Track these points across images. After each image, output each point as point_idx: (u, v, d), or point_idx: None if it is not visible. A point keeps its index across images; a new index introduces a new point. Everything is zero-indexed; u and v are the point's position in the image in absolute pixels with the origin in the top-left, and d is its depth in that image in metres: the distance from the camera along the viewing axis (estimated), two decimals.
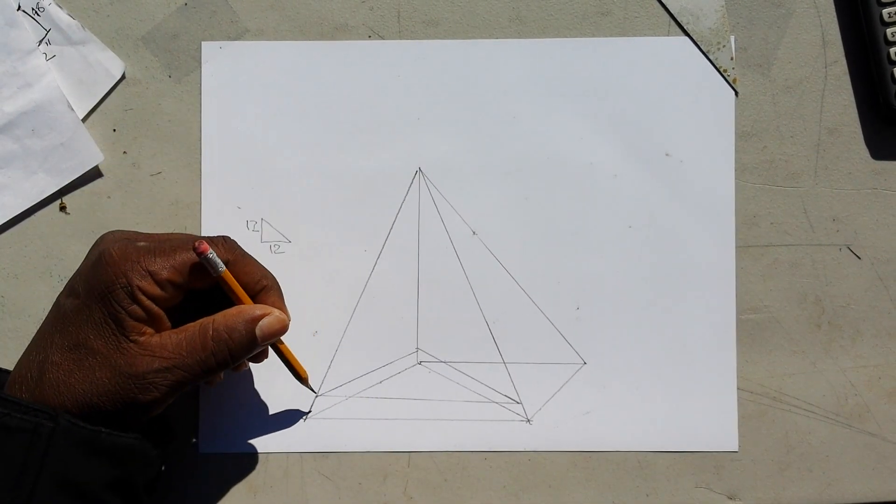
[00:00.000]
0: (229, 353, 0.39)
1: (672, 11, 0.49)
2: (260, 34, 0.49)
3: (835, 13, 0.49)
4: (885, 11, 0.47)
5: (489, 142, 0.49)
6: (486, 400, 0.48)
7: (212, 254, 0.39)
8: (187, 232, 0.49)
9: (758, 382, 0.48)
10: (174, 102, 0.49)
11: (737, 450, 0.48)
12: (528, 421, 0.48)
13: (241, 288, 0.41)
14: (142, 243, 0.38)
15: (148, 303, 0.37)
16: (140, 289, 0.37)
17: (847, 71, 0.49)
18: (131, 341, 0.37)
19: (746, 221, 0.48)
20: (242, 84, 0.49)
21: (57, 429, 0.35)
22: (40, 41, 0.48)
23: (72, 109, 0.48)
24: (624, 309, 0.48)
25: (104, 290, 0.36)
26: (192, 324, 0.39)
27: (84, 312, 0.37)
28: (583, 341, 0.48)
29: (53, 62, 0.48)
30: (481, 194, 0.48)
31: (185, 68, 0.49)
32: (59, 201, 0.49)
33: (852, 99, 0.49)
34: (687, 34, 0.49)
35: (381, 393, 0.48)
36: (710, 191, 0.48)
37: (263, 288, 0.42)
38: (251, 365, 0.48)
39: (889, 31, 0.47)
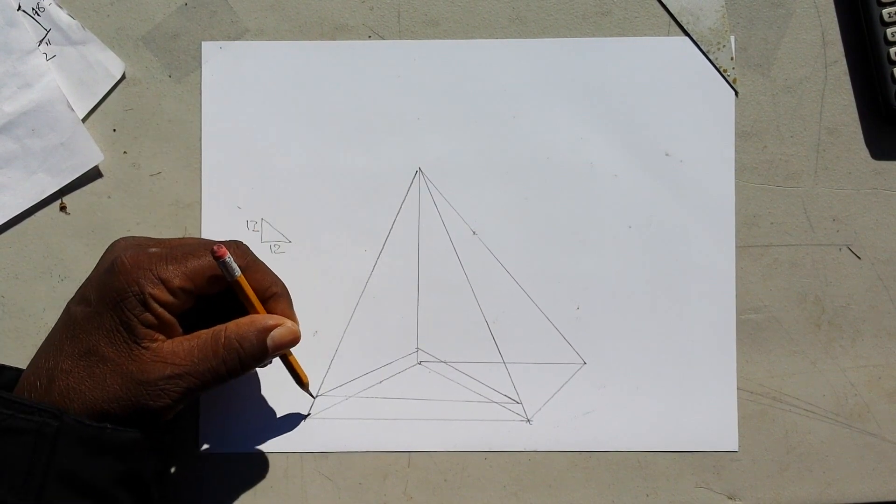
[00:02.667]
0: (240, 363, 0.39)
1: (672, 11, 0.49)
2: (260, 34, 0.49)
3: (835, 13, 0.49)
4: (885, 11, 0.47)
5: (489, 142, 0.49)
6: (486, 400, 0.48)
7: (229, 258, 0.39)
8: (188, 233, 0.49)
9: (758, 382, 0.48)
10: (174, 102, 0.49)
11: (737, 450, 0.48)
12: (528, 421, 0.48)
13: (254, 294, 0.41)
14: (154, 249, 0.38)
15: (160, 310, 0.37)
16: (152, 296, 0.37)
17: (847, 71, 0.49)
18: (143, 348, 0.37)
19: (746, 221, 0.48)
20: (242, 84, 0.49)
21: (62, 427, 0.35)
22: (40, 41, 0.48)
23: (72, 109, 0.48)
24: (624, 309, 0.48)
25: (116, 297, 0.36)
26: (204, 331, 0.39)
27: (95, 320, 0.37)
28: (583, 341, 0.48)
29: (53, 62, 0.48)
30: (481, 194, 0.48)
31: (186, 68, 0.49)
32: (59, 201, 0.49)
33: (852, 99, 0.49)
34: (687, 34, 0.49)
35: (381, 393, 0.48)
36: (710, 191, 0.48)
37: (273, 295, 0.42)
38: None
39: (889, 31, 0.47)
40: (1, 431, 0.34)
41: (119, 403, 0.37)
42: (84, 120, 0.48)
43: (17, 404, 0.35)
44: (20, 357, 0.48)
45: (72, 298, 0.39)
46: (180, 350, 0.38)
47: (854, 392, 0.48)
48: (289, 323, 0.40)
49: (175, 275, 0.37)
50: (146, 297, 0.36)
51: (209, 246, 0.39)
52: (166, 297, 0.37)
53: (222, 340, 0.38)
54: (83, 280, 0.48)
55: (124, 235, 0.43)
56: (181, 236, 0.49)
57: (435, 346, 0.48)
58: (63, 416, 0.35)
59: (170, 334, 0.38)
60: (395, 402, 0.48)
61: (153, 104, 0.49)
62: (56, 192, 0.48)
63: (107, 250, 0.40)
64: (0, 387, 0.38)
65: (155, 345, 0.37)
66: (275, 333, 0.40)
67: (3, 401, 0.35)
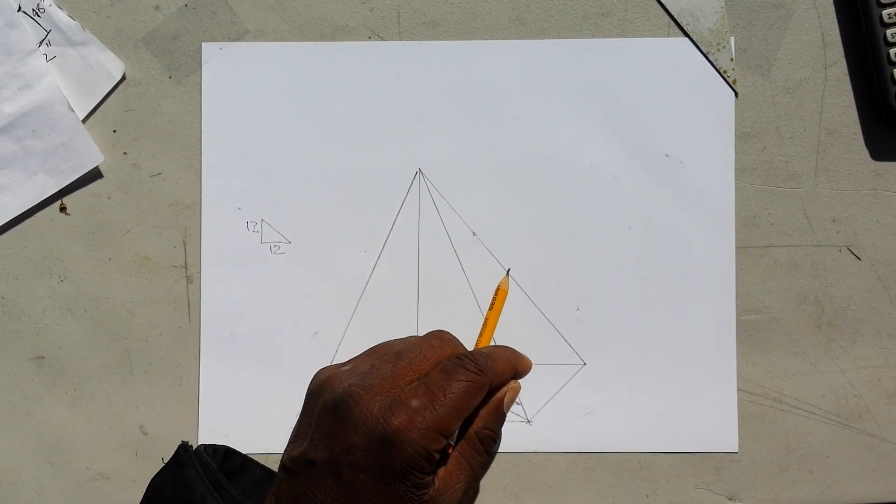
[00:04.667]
0: (495, 443, 0.39)
1: (672, 12, 0.49)
2: (260, 35, 0.49)
3: (835, 14, 0.49)
4: (885, 13, 0.47)
5: (489, 142, 0.49)
6: None
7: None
8: (188, 234, 0.49)
9: (758, 383, 0.48)
10: (174, 103, 0.49)
11: (737, 450, 0.48)
12: (529, 422, 0.48)
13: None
14: (415, 403, 0.36)
15: (439, 457, 0.37)
16: (436, 451, 0.36)
17: (847, 72, 0.49)
18: (434, 493, 0.37)
19: (746, 222, 0.48)
20: (243, 85, 0.49)
21: None
22: (41, 42, 0.48)
23: (72, 110, 0.48)
24: (624, 309, 0.48)
25: (405, 467, 0.35)
26: (459, 443, 0.39)
27: (386, 490, 0.36)
28: (583, 342, 0.48)
29: (54, 63, 0.48)
30: (481, 195, 0.49)
31: (186, 69, 0.49)
32: (59, 202, 0.49)
33: (852, 100, 0.49)
34: (687, 35, 0.49)
35: None
36: (709, 191, 0.48)
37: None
38: (253, 366, 0.48)
39: (889, 32, 0.47)
40: None
41: None
42: (84, 121, 0.48)
43: None
44: (20, 357, 0.48)
45: (324, 460, 0.37)
46: (455, 470, 0.38)
47: (854, 393, 0.48)
48: (512, 384, 0.40)
49: (451, 422, 0.36)
50: (431, 456, 0.36)
51: (454, 366, 0.37)
52: (444, 443, 0.37)
53: (476, 439, 0.39)
54: (86, 282, 0.48)
55: (324, 371, 0.40)
56: (185, 237, 0.48)
57: None
58: None
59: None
60: None
61: (153, 105, 0.49)
62: (56, 192, 0.48)
63: (325, 393, 0.38)
64: (250, 485, 0.38)
65: (438, 483, 0.37)
66: (506, 400, 0.40)
67: None
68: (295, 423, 0.39)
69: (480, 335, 0.43)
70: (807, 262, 0.48)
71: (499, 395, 0.39)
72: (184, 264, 0.49)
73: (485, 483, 0.48)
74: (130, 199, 0.49)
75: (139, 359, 0.48)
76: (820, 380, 0.48)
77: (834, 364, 0.48)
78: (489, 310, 0.43)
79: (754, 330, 0.48)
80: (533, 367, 0.48)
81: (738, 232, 0.48)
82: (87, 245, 0.49)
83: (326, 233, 0.48)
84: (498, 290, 0.44)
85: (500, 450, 0.48)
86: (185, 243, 0.49)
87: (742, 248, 0.48)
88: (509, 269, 0.48)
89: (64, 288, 0.48)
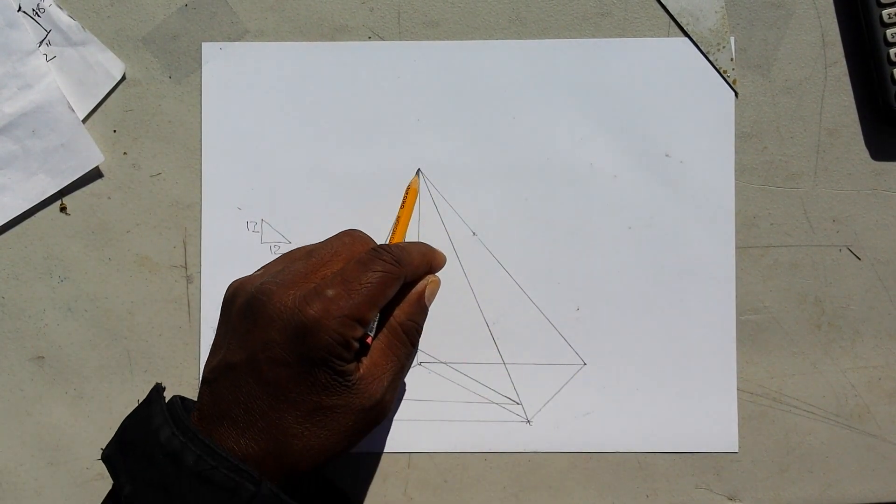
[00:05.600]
0: (418, 333, 0.41)
1: (672, 12, 0.49)
2: (260, 35, 0.49)
3: (835, 14, 0.49)
4: (885, 13, 0.47)
5: (489, 142, 0.49)
6: (486, 401, 0.48)
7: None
8: (188, 235, 0.49)
9: (758, 383, 0.48)
10: (174, 103, 0.49)
11: (737, 450, 0.48)
12: (528, 422, 0.48)
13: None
14: (330, 292, 0.36)
15: (358, 346, 0.37)
16: (354, 339, 0.36)
17: (847, 72, 0.49)
18: (357, 380, 0.37)
19: (746, 222, 0.48)
20: (243, 85, 0.49)
21: (258, 494, 0.34)
22: (41, 42, 0.48)
23: (72, 110, 0.48)
24: (624, 309, 0.48)
25: (324, 354, 0.36)
26: (381, 334, 0.39)
27: (307, 379, 0.36)
28: (583, 342, 0.48)
29: (54, 63, 0.48)
30: (481, 195, 0.49)
31: (186, 69, 0.49)
32: (59, 202, 0.49)
33: (852, 100, 0.49)
34: (687, 35, 0.49)
35: None
36: (710, 191, 0.48)
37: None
38: None
39: (889, 32, 0.47)
40: (201, 479, 0.34)
41: (355, 437, 0.37)
42: (84, 121, 0.48)
43: (222, 458, 0.34)
44: (20, 357, 0.48)
45: (249, 362, 0.36)
46: (379, 360, 0.38)
47: (854, 393, 0.48)
48: (431, 277, 0.42)
49: (367, 310, 0.37)
50: (350, 343, 0.36)
51: (369, 258, 0.38)
52: (362, 331, 0.37)
53: (399, 330, 0.39)
54: (86, 282, 0.48)
55: (236, 280, 0.40)
56: (185, 237, 0.49)
57: (435, 346, 0.48)
58: (262, 485, 0.34)
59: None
60: (394, 403, 0.48)
61: (153, 105, 0.49)
62: (56, 192, 0.48)
63: (238, 297, 0.38)
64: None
65: (362, 370, 0.37)
66: (427, 293, 0.41)
67: (214, 453, 0.35)
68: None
69: (393, 233, 0.44)
70: (807, 262, 0.48)
71: (419, 287, 0.41)
72: (184, 264, 0.49)
73: (485, 483, 0.48)
74: (130, 199, 0.49)
75: (139, 359, 0.48)
76: (820, 380, 0.48)
77: (834, 364, 0.48)
78: (401, 208, 0.45)
79: (754, 330, 0.48)
80: (533, 366, 0.48)
81: (738, 232, 0.48)
82: (87, 245, 0.49)
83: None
84: (409, 189, 0.46)
85: (500, 450, 0.48)
86: (185, 243, 0.49)
87: (742, 248, 0.48)
88: (419, 169, 0.48)
89: (64, 288, 0.48)
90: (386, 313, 0.39)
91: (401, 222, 0.44)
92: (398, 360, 0.39)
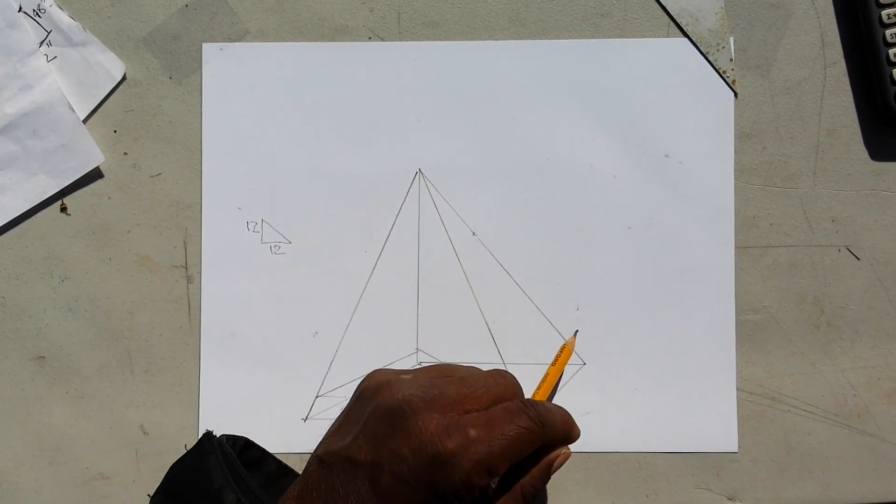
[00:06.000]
0: (534, 496, 0.39)
1: (671, 13, 0.49)
2: (260, 35, 0.49)
3: (834, 14, 0.49)
4: (884, 13, 0.47)
5: (489, 143, 0.49)
6: None
7: None
8: (188, 235, 0.49)
9: (757, 383, 0.48)
10: (175, 104, 0.49)
11: (736, 450, 0.48)
12: None
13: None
14: (473, 432, 0.35)
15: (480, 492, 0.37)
16: (480, 486, 0.36)
17: (846, 72, 0.49)
18: None
19: (746, 222, 0.48)
20: (243, 85, 0.49)
21: None
22: (41, 42, 0.48)
23: (73, 111, 0.48)
24: (624, 309, 0.48)
25: (448, 490, 0.35)
26: (504, 497, 0.38)
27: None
28: (583, 342, 0.48)
29: (54, 63, 0.48)
30: (481, 195, 0.49)
31: (186, 69, 0.49)
32: (59, 202, 0.49)
33: (851, 100, 0.49)
34: (686, 35, 0.49)
35: None
36: (709, 192, 0.48)
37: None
38: (253, 366, 0.48)
39: (888, 32, 0.47)
40: None
41: None
42: (85, 121, 0.48)
43: None
44: (20, 357, 0.48)
45: (361, 461, 0.36)
46: None
47: (853, 393, 0.48)
48: (565, 449, 0.40)
49: (502, 461, 0.36)
50: (475, 489, 0.35)
51: (517, 409, 0.37)
52: (489, 481, 0.36)
53: (519, 492, 0.38)
54: (86, 282, 0.48)
55: (381, 372, 0.39)
56: (185, 237, 0.49)
57: (435, 346, 0.48)
58: None
59: None
60: None
61: (154, 105, 0.49)
62: (57, 193, 0.49)
63: (380, 395, 0.37)
64: (265, 479, 0.38)
65: None
66: (556, 463, 0.40)
67: None
68: (337, 416, 0.39)
69: (539, 387, 0.44)
70: (806, 262, 0.48)
71: (552, 456, 0.39)
72: (184, 264, 0.49)
73: None
74: (131, 199, 0.49)
75: (139, 359, 0.49)
76: (819, 380, 0.48)
77: (833, 364, 0.48)
78: (551, 365, 0.45)
79: (754, 330, 0.48)
80: (532, 366, 0.48)
81: (737, 232, 0.48)
82: (88, 245, 0.49)
83: (326, 233, 0.49)
84: (564, 347, 0.46)
85: None
86: (185, 243, 0.49)
87: (742, 248, 0.48)
88: (577, 331, 0.48)
89: (64, 288, 0.48)
90: (514, 468, 0.38)
91: (549, 379, 0.44)
92: None
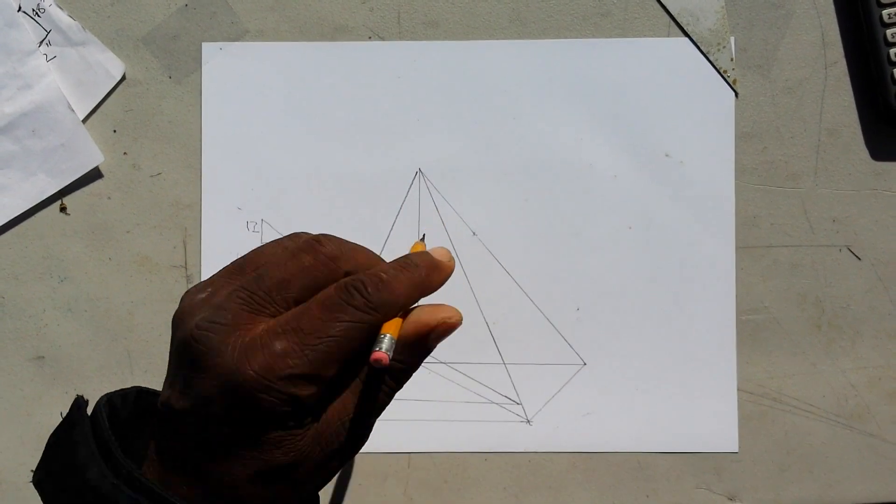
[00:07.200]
0: (407, 375, 0.34)
1: (672, 12, 0.49)
2: (260, 35, 0.49)
3: (835, 14, 0.49)
4: (885, 13, 0.47)
5: (489, 142, 0.49)
6: (486, 401, 0.48)
7: (389, 351, 0.30)
8: (188, 235, 0.49)
9: (758, 383, 0.48)
10: (174, 103, 0.49)
11: (737, 450, 0.48)
12: (528, 422, 0.48)
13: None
14: (278, 345, 0.29)
15: (317, 399, 0.31)
16: (307, 397, 0.30)
17: (847, 72, 0.49)
18: (318, 431, 0.32)
19: (746, 222, 0.48)
20: (242, 85, 0.49)
21: None
22: (41, 42, 0.48)
23: (72, 110, 0.48)
24: (624, 309, 0.48)
25: (266, 418, 0.30)
26: (356, 383, 0.32)
27: (254, 440, 0.30)
28: (583, 342, 0.48)
29: (54, 63, 0.48)
30: (481, 195, 0.49)
31: (186, 69, 0.49)
32: (59, 202, 0.49)
33: (852, 100, 0.49)
34: (687, 35, 0.49)
35: None
36: (710, 191, 0.48)
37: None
38: None
39: (889, 32, 0.47)
40: None
41: (317, 486, 0.33)
42: (84, 121, 0.48)
43: (147, 489, 0.29)
44: (20, 357, 0.48)
45: (180, 410, 0.30)
46: (350, 404, 0.32)
47: (854, 393, 0.48)
48: (444, 314, 0.32)
49: (325, 368, 0.30)
50: (301, 403, 0.30)
51: (337, 302, 0.30)
52: (316, 389, 0.30)
53: (386, 377, 0.33)
54: (86, 282, 0.48)
55: (185, 296, 0.32)
56: (185, 237, 0.49)
57: None
58: None
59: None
60: (394, 403, 0.48)
61: (153, 105, 0.49)
62: (56, 192, 0.48)
63: (178, 328, 0.31)
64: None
65: (327, 415, 0.32)
66: (435, 334, 0.33)
67: (152, 494, 0.29)
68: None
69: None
70: (807, 262, 0.48)
71: (422, 323, 0.32)
72: (184, 264, 0.49)
73: (485, 483, 0.48)
74: (130, 199, 0.49)
75: (139, 359, 0.48)
76: (820, 380, 0.48)
77: (834, 364, 0.48)
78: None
79: (754, 330, 0.48)
80: (533, 366, 0.48)
81: (738, 232, 0.48)
82: (87, 245, 0.49)
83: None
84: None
85: (500, 450, 0.48)
86: (185, 243, 0.49)
87: (742, 248, 0.48)
88: (424, 235, 0.42)
89: (64, 288, 0.48)
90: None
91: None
92: (373, 404, 0.32)
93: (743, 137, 0.48)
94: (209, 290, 0.32)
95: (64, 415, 0.33)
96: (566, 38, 0.49)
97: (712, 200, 0.48)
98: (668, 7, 0.49)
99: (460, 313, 0.33)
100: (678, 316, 0.48)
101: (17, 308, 0.49)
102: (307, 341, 0.30)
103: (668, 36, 0.49)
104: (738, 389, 0.48)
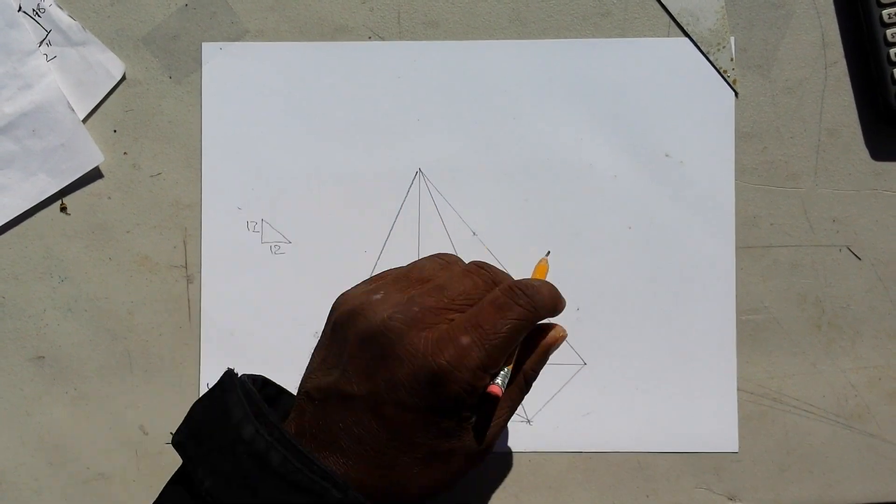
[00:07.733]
0: (535, 378, 0.39)
1: (672, 12, 0.49)
2: (260, 35, 0.49)
3: (835, 14, 0.49)
4: (885, 13, 0.47)
5: (489, 142, 0.49)
6: None
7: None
8: (188, 234, 0.49)
9: (758, 383, 0.48)
10: (174, 103, 0.49)
11: (737, 450, 0.48)
12: (529, 422, 0.48)
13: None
14: (465, 339, 0.34)
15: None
16: (483, 388, 0.35)
17: (847, 72, 0.49)
18: (475, 424, 0.37)
19: (746, 222, 0.48)
20: (243, 85, 0.49)
21: (344, 500, 0.33)
22: (41, 42, 0.48)
23: (72, 110, 0.48)
24: (624, 309, 0.48)
25: (453, 405, 0.35)
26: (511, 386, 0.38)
27: (432, 425, 0.35)
28: (583, 342, 0.48)
29: (54, 63, 0.48)
30: (481, 195, 0.49)
31: (186, 69, 0.49)
32: (59, 202, 0.49)
33: (852, 100, 0.49)
34: (687, 35, 0.49)
35: None
36: (710, 191, 0.48)
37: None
38: (252, 365, 0.48)
39: (889, 32, 0.47)
40: (287, 482, 0.33)
41: (461, 477, 0.37)
42: (84, 121, 0.48)
43: (308, 461, 0.33)
44: (20, 357, 0.48)
45: (355, 394, 0.35)
46: (497, 407, 0.38)
47: (854, 393, 0.48)
48: (560, 332, 0.40)
49: (499, 360, 0.35)
50: (477, 392, 0.35)
51: (506, 302, 0.36)
52: (490, 380, 0.36)
53: (522, 379, 0.38)
54: (86, 282, 0.48)
55: (351, 296, 0.38)
56: (185, 237, 0.49)
57: None
58: (348, 490, 0.33)
59: None
60: None
61: (153, 105, 0.49)
62: (56, 192, 0.48)
63: (357, 321, 0.36)
64: (283, 416, 0.37)
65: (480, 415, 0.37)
66: (554, 346, 0.40)
67: (300, 455, 0.33)
68: (315, 349, 0.38)
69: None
70: (807, 262, 0.48)
71: (549, 338, 0.39)
72: (184, 264, 0.49)
73: (485, 483, 0.48)
74: (130, 199, 0.49)
75: (139, 359, 0.48)
76: (820, 380, 0.48)
77: (834, 364, 0.48)
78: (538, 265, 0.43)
79: (754, 330, 0.48)
80: None
81: (738, 232, 0.48)
82: (87, 245, 0.49)
83: (326, 233, 0.48)
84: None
85: (499, 450, 0.48)
86: (185, 243, 0.49)
87: (742, 248, 0.48)
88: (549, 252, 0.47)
89: (64, 288, 0.48)
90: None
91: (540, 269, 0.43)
92: (513, 406, 0.38)
93: (743, 137, 0.48)
94: (381, 293, 0.37)
95: (210, 385, 0.39)
96: (566, 38, 0.49)
97: (712, 200, 0.48)
98: (668, 7, 0.49)
99: (566, 330, 0.40)
100: (678, 316, 0.48)
101: (17, 308, 0.49)
102: (485, 336, 0.35)
103: (668, 36, 0.49)
104: (738, 389, 0.48)
